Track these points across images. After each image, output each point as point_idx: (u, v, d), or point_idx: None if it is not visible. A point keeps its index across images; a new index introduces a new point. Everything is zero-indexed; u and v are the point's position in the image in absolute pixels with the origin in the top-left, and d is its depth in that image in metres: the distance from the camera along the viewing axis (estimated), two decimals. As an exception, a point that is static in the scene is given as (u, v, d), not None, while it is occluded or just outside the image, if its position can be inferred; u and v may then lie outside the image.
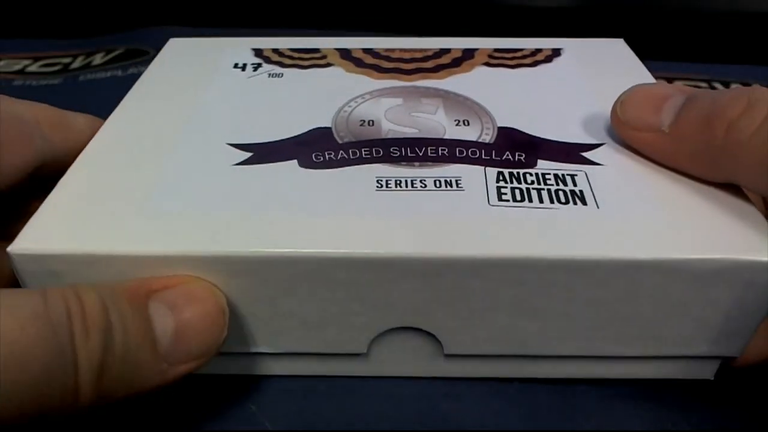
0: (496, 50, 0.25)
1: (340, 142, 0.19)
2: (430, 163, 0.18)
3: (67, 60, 0.46)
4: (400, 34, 0.32)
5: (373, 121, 0.20)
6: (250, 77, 0.23)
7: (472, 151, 0.19)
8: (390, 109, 0.21)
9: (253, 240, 0.15)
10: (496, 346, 0.17)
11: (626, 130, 0.18)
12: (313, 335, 0.17)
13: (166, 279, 0.15)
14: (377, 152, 0.19)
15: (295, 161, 0.18)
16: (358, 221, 0.16)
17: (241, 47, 0.25)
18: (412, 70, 0.23)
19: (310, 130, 0.20)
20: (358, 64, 0.24)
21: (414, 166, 0.18)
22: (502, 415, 0.18)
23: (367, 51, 0.25)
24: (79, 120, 0.19)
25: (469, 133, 0.20)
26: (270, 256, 0.15)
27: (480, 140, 0.19)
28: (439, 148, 0.19)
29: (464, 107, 0.21)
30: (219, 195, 0.17)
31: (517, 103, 0.21)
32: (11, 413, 0.12)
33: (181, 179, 0.18)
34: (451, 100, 0.22)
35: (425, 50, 0.25)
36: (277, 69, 0.24)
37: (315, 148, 0.19)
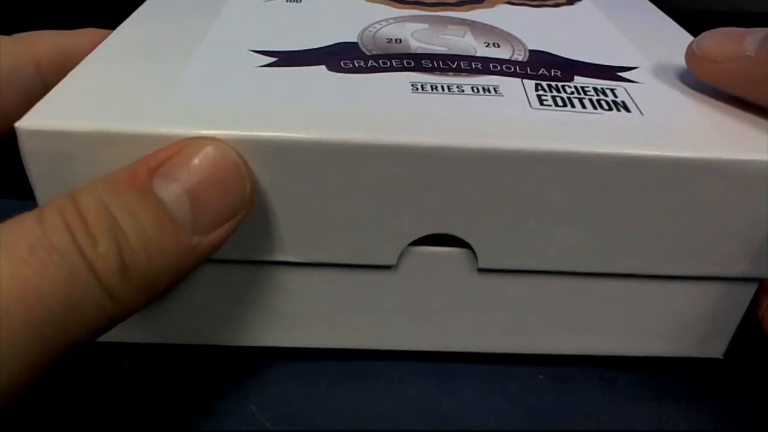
0: None
1: (368, 53, 0.19)
2: (464, 74, 0.18)
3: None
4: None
5: (400, 39, 0.20)
6: (265, 2, 0.22)
7: (506, 66, 0.18)
8: (416, 31, 0.21)
9: (282, 125, 0.15)
10: (533, 260, 0.17)
11: (704, 64, 0.17)
12: (342, 241, 0.16)
13: (163, 151, 0.14)
14: (408, 63, 0.18)
15: (323, 66, 0.18)
16: (392, 115, 0.15)
17: None
18: (433, 3, 0.23)
19: (335, 44, 0.19)
20: None
21: (448, 75, 0.18)
22: (502, 415, 0.18)
23: None
24: (84, 50, 0.17)
25: (501, 54, 0.19)
26: (299, 140, 0.14)
27: (513, 59, 0.19)
28: (472, 63, 0.18)
29: (492, 33, 0.21)
30: (244, 90, 0.16)
31: (546, 32, 0.21)
32: (54, 350, 0.12)
33: (203, 76, 0.17)
34: (478, 27, 0.21)
35: None
36: None
37: (343, 57, 0.18)
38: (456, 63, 0.18)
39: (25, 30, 0.19)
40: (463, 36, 0.20)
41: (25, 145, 0.14)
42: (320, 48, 0.19)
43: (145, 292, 0.13)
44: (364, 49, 0.19)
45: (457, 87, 0.17)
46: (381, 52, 0.19)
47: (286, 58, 0.18)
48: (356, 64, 0.18)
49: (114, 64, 0.17)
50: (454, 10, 0.23)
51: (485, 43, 0.20)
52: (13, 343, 0.11)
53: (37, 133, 0.14)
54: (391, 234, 0.16)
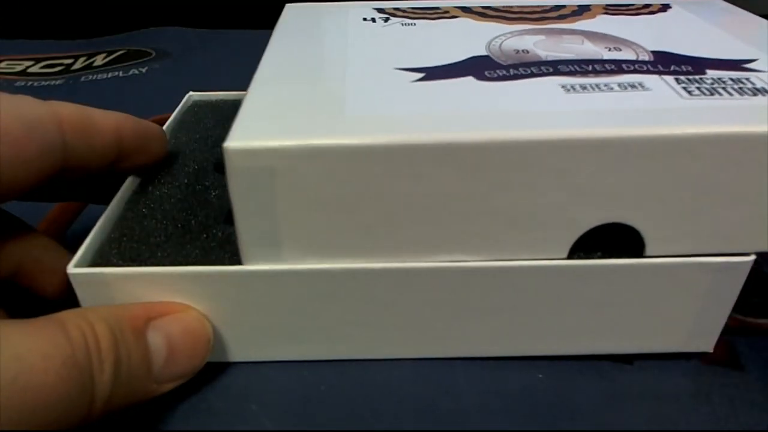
0: (608, 5, 0.26)
1: (504, 64, 0.20)
2: (603, 75, 0.18)
3: (68, 61, 0.46)
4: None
5: (527, 50, 0.21)
6: (384, 26, 0.24)
7: (638, 66, 0.19)
8: (538, 42, 0.21)
9: (465, 128, 0.15)
10: (702, 243, 0.17)
11: None
12: (516, 236, 0.17)
13: (162, 306, 0.17)
14: (547, 69, 0.19)
15: (471, 77, 0.19)
16: (557, 111, 0.16)
17: (364, 7, 0.26)
18: (538, 18, 0.24)
19: (468, 58, 0.20)
20: (484, 16, 0.25)
21: (589, 77, 0.18)
22: (503, 414, 0.18)
23: (486, 7, 0.26)
24: (107, 120, 0.19)
25: (626, 56, 0.20)
26: (490, 141, 0.15)
27: (640, 59, 0.20)
28: (605, 64, 0.19)
29: (607, 39, 0.22)
30: (411, 102, 0.17)
31: (657, 35, 0.22)
32: None
33: (366, 92, 0.18)
34: (592, 36, 0.22)
35: (541, 6, 0.26)
36: (407, 20, 0.24)
37: (484, 69, 0.19)
38: (591, 66, 0.19)
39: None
40: (582, 43, 0.21)
41: (233, 163, 0.15)
42: (458, 62, 0.20)
43: (104, 415, 0.15)
44: (498, 60, 0.20)
45: (605, 85, 0.18)
46: (516, 62, 0.20)
47: (432, 73, 0.19)
48: (500, 74, 0.19)
49: (281, 87, 0.18)
50: (559, 23, 0.24)
51: (606, 47, 0.21)
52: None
53: (245, 152, 0.15)
54: (565, 224, 0.17)
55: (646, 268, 0.17)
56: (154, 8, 0.55)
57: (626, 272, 0.18)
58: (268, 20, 0.56)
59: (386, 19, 0.24)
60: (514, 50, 0.21)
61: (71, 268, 0.17)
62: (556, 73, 0.19)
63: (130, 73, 0.44)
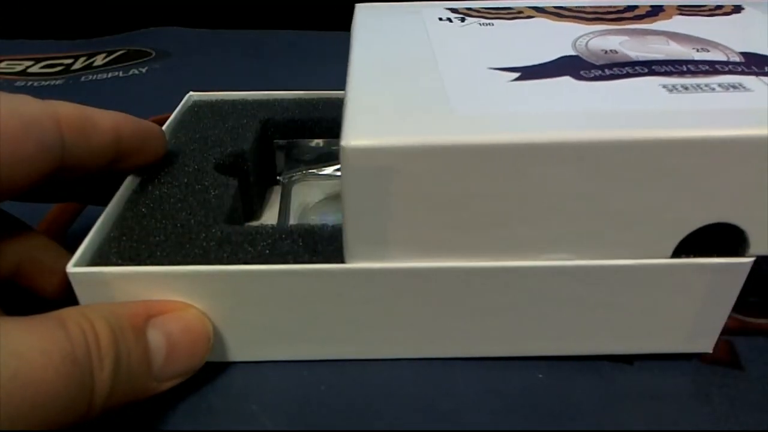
0: (681, 6, 0.26)
1: (597, 64, 0.19)
2: (700, 75, 0.18)
3: (68, 61, 0.46)
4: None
5: (615, 50, 0.20)
6: (462, 26, 0.24)
7: (731, 66, 0.19)
8: (623, 42, 0.21)
9: (582, 127, 0.15)
10: None
11: None
12: (623, 235, 0.17)
13: (162, 304, 0.17)
14: (641, 69, 0.19)
15: (568, 77, 0.18)
16: (664, 111, 0.16)
17: (435, 7, 0.26)
18: (615, 19, 0.24)
19: (559, 57, 0.20)
20: (559, 16, 0.24)
21: (686, 77, 0.18)
22: (502, 414, 0.18)
23: (558, 7, 0.26)
24: (106, 120, 0.18)
25: (717, 57, 0.20)
26: (606, 140, 0.15)
27: (731, 60, 0.19)
28: (699, 65, 0.19)
29: (693, 41, 0.21)
30: (515, 101, 0.17)
31: (739, 36, 0.21)
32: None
33: (465, 91, 0.18)
34: (675, 36, 0.22)
35: (614, 6, 0.25)
36: (484, 20, 0.24)
37: (578, 68, 0.19)
38: (684, 66, 0.19)
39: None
40: (668, 44, 0.21)
41: (351, 162, 0.15)
42: (550, 62, 0.20)
43: (103, 413, 0.15)
44: (589, 60, 0.20)
45: (705, 86, 0.18)
46: (609, 62, 0.19)
47: (528, 73, 0.19)
48: (596, 73, 0.19)
49: (380, 87, 0.18)
50: (636, 23, 0.23)
51: (694, 48, 0.20)
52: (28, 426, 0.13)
53: (364, 150, 0.15)
54: (671, 226, 0.17)
55: (646, 268, 0.17)
56: (154, 8, 0.55)
57: (626, 273, 0.18)
58: (268, 20, 0.56)
59: (462, 19, 0.24)
60: (602, 50, 0.20)
61: (70, 267, 0.17)
62: (652, 73, 0.18)
63: (130, 73, 0.44)
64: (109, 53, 0.48)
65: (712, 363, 0.20)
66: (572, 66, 0.19)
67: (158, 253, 0.18)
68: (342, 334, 0.19)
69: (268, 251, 0.18)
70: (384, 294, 0.18)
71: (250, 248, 0.18)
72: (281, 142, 0.27)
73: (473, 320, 0.19)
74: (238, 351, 0.19)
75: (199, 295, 0.18)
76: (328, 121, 0.26)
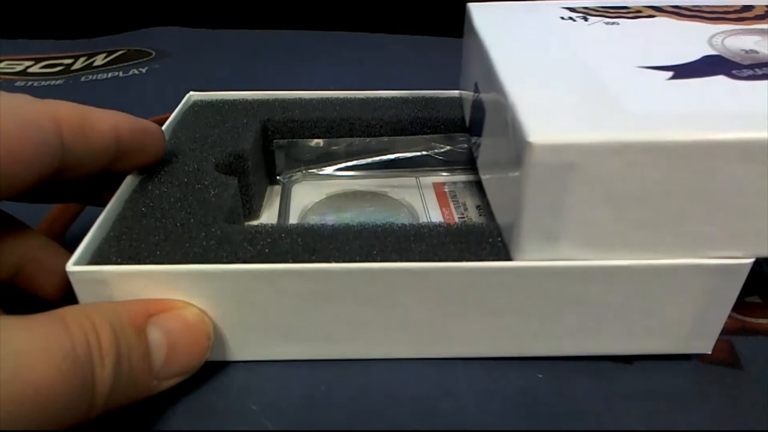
0: None
1: (744, 63, 0.19)
2: None
3: (68, 61, 0.46)
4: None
5: (755, 50, 0.21)
6: (588, 25, 0.24)
7: None
8: (758, 42, 0.21)
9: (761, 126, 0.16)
10: None
11: None
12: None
13: (162, 303, 0.17)
14: None
15: (722, 76, 0.19)
16: None
17: (551, 6, 0.26)
18: (737, 19, 0.24)
19: (702, 57, 0.20)
20: (680, 15, 0.24)
21: None
22: (502, 415, 0.18)
23: (675, 6, 0.25)
24: (105, 120, 0.18)
25: None
26: None
27: None
28: None
29: None
30: (685, 100, 0.17)
31: None
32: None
33: (633, 90, 0.18)
34: None
35: (732, 6, 0.25)
36: (608, 20, 0.24)
37: (728, 68, 0.19)
38: None
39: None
40: None
41: (535, 158, 0.15)
42: (697, 61, 0.20)
43: (104, 412, 0.15)
44: (735, 60, 0.20)
45: None
46: (755, 62, 0.20)
47: (681, 72, 0.19)
48: (747, 73, 0.19)
49: (537, 86, 0.18)
50: (760, 23, 0.23)
51: None
52: (28, 425, 0.13)
53: (550, 147, 0.15)
54: None
55: (646, 269, 0.17)
56: (154, 8, 0.55)
57: (626, 274, 0.18)
58: (268, 20, 0.56)
59: (585, 18, 0.24)
60: (742, 50, 0.20)
61: (70, 266, 0.17)
62: None
63: (130, 73, 0.44)
64: (109, 53, 0.48)
65: (712, 363, 0.20)
66: (721, 65, 0.19)
67: (158, 252, 0.18)
68: (342, 334, 0.19)
69: (267, 250, 0.18)
70: (385, 293, 0.18)
71: (249, 247, 0.18)
72: (281, 142, 0.27)
73: (474, 320, 0.19)
74: (238, 350, 0.19)
75: (199, 294, 0.18)
76: (328, 121, 0.26)
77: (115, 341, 0.15)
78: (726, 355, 0.20)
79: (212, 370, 0.19)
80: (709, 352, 0.20)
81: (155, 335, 0.16)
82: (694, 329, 0.19)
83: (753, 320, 0.22)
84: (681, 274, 0.18)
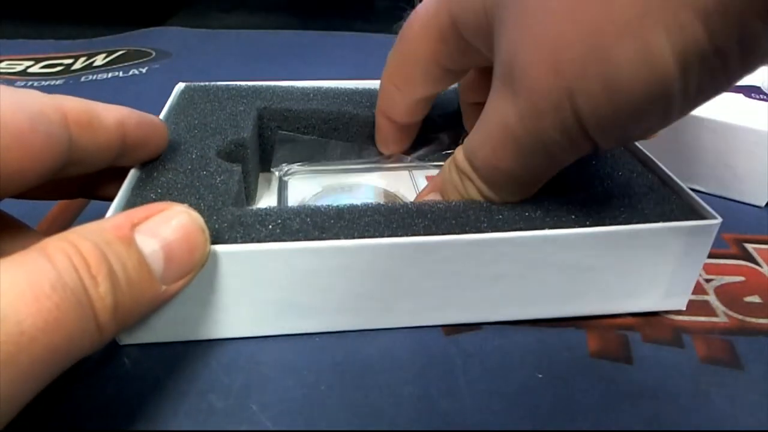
0: None
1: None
2: None
3: (68, 61, 0.46)
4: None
5: None
6: None
7: None
8: None
9: None
10: None
11: None
12: None
13: (144, 210, 0.16)
14: None
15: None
16: None
17: None
18: None
19: None
20: None
21: None
22: (502, 414, 0.18)
23: None
24: (111, 114, 0.18)
25: None
26: None
27: None
28: None
29: None
30: None
31: None
32: (56, 371, 0.13)
33: None
34: None
35: None
36: None
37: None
38: None
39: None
40: None
41: None
42: None
43: (120, 328, 0.15)
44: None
45: None
46: None
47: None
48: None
49: None
50: None
51: None
52: (34, 364, 0.13)
53: None
54: None
55: (624, 233, 0.19)
56: (154, 8, 0.55)
57: (605, 238, 0.19)
58: (268, 20, 0.56)
59: None
60: None
61: None
62: None
63: (130, 73, 0.44)
64: (109, 53, 0.48)
65: (712, 363, 0.20)
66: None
67: None
68: (351, 306, 0.20)
69: (278, 230, 0.18)
70: (393, 266, 0.19)
71: (261, 228, 0.19)
72: (278, 134, 0.27)
73: (475, 288, 0.20)
74: (253, 326, 0.20)
75: (213, 275, 0.18)
76: (326, 112, 0.27)
77: (102, 258, 0.14)
78: (726, 355, 0.20)
79: (212, 370, 0.19)
80: (683, 309, 0.21)
81: (146, 242, 0.16)
82: (670, 288, 0.21)
83: (753, 320, 0.22)
84: (657, 237, 0.19)
